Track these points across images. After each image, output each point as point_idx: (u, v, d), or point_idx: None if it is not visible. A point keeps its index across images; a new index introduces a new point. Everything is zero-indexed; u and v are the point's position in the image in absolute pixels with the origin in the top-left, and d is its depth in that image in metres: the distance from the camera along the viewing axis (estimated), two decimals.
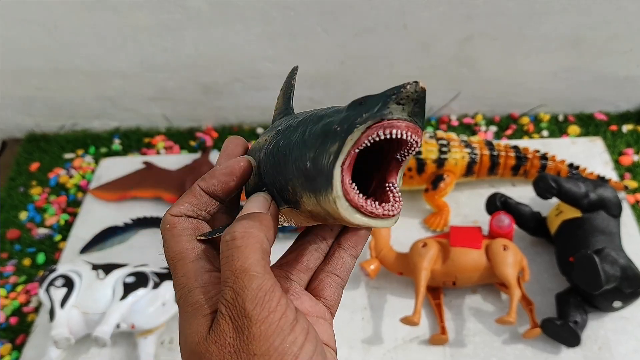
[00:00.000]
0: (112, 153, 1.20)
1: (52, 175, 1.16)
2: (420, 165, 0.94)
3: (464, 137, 0.99)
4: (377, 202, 0.29)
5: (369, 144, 0.27)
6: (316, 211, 0.29)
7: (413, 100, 0.27)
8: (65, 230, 1.06)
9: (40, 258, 1.01)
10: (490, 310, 0.84)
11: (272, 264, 0.32)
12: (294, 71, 0.39)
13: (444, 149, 0.95)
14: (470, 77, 1.11)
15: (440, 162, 0.94)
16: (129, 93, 1.19)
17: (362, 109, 0.28)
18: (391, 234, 0.89)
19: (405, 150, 0.29)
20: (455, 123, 1.16)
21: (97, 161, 1.18)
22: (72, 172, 1.16)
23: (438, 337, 0.80)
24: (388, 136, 0.27)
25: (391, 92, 0.27)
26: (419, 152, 0.94)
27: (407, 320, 0.78)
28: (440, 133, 0.98)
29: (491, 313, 0.84)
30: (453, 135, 0.98)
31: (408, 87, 0.27)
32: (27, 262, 1.02)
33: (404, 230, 0.94)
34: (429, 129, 1.13)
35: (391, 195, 0.29)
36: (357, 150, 0.27)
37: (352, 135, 0.27)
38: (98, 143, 1.22)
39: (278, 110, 0.38)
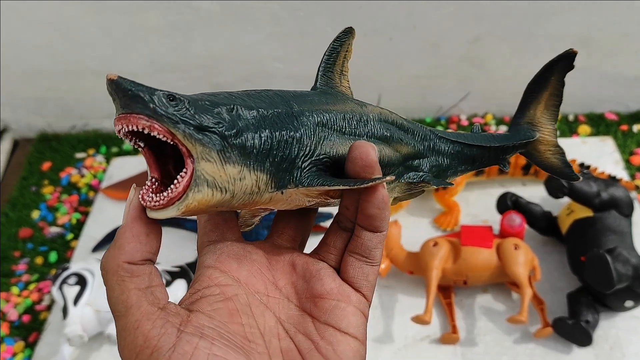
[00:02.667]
0: (123, 152, 1.21)
1: (64, 174, 1.17)
2: None
3: None
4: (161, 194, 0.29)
5: (135, 143, 0.29)
6: None
7: (114, 93, 0.27)
8: (77, 229, 1.07)
9: (53, 257, 1.02)
10: (501, 309, 0.84)
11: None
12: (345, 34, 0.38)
13: None
14: (480, 77, 1.11)
15: None
16: None
17: None
18: (402, 233, 0.89)
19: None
20: (465, 123, 1.16)
21: (108, 160, 1.19)
22: (84, 172, 1.17)
23: (449, 336, 0.80)
24: (120, 133, 0.28)
25: None
26: None
27: (419, 319, 0.78)
28: None
29: (502, 312, 0.84)
30: None
31: (106, 84, 0.27)
32: (39, 260, 1.02)
33: (414, 230, 0.94)
34: (439, 129, 1.13)
35: (172, 183, 0.28)
36: (139, 149, 0.29)
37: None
38: (109, 142, 1.23)
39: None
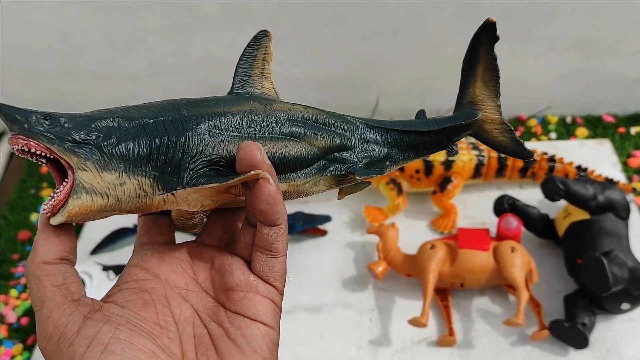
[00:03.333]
0: None
1: None
2: (428, 167, 0.94)
3: (472, 140, 0.99)
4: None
5: (34, 159, 0.31)
6: None
7: (2, 118, 0.30)
8: (75, 231, 1.07)
9: None
10: (498, 311, 0.84)
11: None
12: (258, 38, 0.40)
13: None
14: None
15: (447, 165, 0.95)
16: (138, 95, 1.20)
17: None
18: (399, 236, 0.89)
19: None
20: None
21: None
22: None
23: (446, 339, 0.81)
24: (15, 152, 0.31)
25: None
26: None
27: (415, 322, 0.79)
28: None
29: (499, 315, 0.84)
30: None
31: None
32: None
33: (411, 232, 0.94)
34: (375, 118, 1.13)
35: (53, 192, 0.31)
36: (42, 163, 0.31)
37: None
38: None
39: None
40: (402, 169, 0.95)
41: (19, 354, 0.90)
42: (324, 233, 0.97)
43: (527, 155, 0.38)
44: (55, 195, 0.31)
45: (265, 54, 0.39)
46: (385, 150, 0.39)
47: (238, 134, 0.34)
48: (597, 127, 1.11)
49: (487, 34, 0.38)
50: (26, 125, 0.30)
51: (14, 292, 0.99)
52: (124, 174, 0.31)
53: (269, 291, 0.34)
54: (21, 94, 1.22)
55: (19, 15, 1.06)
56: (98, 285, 0.85)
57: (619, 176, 0.99)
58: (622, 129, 1.10)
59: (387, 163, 0.40)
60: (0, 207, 1.15)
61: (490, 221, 0.92)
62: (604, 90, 1.11)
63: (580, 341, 0.78)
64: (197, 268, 0.35)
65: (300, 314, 0.88)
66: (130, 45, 1.10)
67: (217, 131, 0.33)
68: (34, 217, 1.11)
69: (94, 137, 0.31)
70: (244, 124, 0.34)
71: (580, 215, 0.83)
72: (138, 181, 0.32)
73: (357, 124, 0.39)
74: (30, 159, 0.31)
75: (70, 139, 0.31)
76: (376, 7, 1.00)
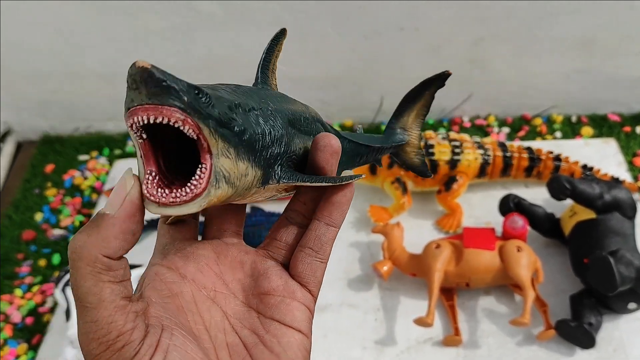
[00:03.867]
0: (126, 155, 1.21)
1: (67, 176, 1.17)
2: (433, 166, 0.94)
3: (477, 139, 0.99)
4: (177, 189, 0.27)
5: (141, 134, 0.27)
6: None
7: (143, 82, 0.26)
8: None
9: (56, 259, 1.02)
10: (503, 311, 0.84)
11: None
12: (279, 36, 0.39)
13: (457, 150, 0.95)
14: (482, 78, 1.11)
15: (453, 164, 0.94)
16: None
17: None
18: (404, 235, 0.89)
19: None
20: (467, 124, 1.16)
21: (111, 163, 1.19)
22: (87, 174, 1.17)
23: (451, 339, 0.80)
24: (133, 124, 0.26)
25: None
26: (432, 154, 0.94)
27: (421, 322, 0.78)
28: (452, 134, 0.98)
29: (505, 314, 0.84)
30: (466, 136, 0.97)
31: (129, 71, 0.26)
32: (42, 262, 1.03)
33: (416, 232, 0.94)
34: (442, 130, 1.13)
35: (193, 178, 0.27)
36: (140, 141, 0.27)
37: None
38: (112, 145, 1.23)
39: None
40: None
41: (24, 354, 0.90)
42: (274, 226, 0.97)
43: (428, 175, 0.45)
44: (196, 183, 0.27)
45: (279, 50, 0.39)
46: (344, 158, 0.39)
47: (302, 131, 0.34)
48: (602, 126, 1.11)
49: (439, 82, 0.42)
50: (186, 99, 0.26)
51: (18, 292, 0.99)
52: (249, 165, 0.29)
53: (305, 297, 0.32)
54: (24, 95, 1.22)
55: (20, 15, 1.06)
56: None
57: (624, 175, 0.99)
58: (627, 128, 1.09)
59: (343, 168, 0.41)
60: (5, 207, 1.15)
61: (496, 220, 0.92)
62: (609, 90, 1.11)
63: (586, 341, 0.78)
64: (224, 267, 0.33)
65: None
66: (133, 45, 1.10)
67: (291, 128, 0.33)
68: (38, 216, 1.10)
69: (234, 122, 0.28)
70: (302, 121, 0.35)
71: (587, 214, 0.83)
72: (255, 173, 0.30)
73: (327, 126, 0.40)
74: (133, 133, 0.27)
75: (217, 120, 0.27)
76: (379, 7, 0.99)
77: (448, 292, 0.85)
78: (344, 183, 0.32)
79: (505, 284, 0.85)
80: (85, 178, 1.17)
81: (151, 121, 0.26)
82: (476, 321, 0.83)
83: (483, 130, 1.14)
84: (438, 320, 0.83)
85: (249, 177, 0.29)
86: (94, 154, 1.22)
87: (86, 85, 1.19)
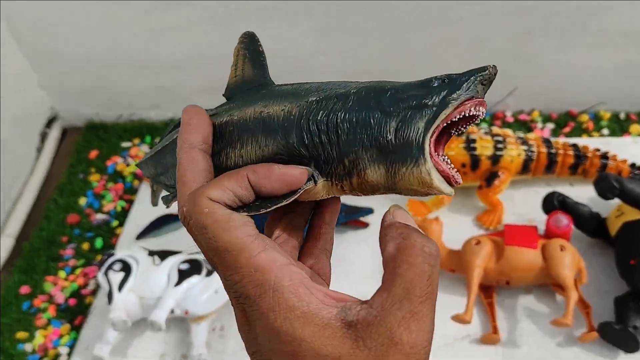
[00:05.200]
0: None
1: (110, 163, 1.20)
2: (475, 161, 0.93)
3: (521, 134, 0.96)
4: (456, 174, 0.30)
5: (457, 119, 0.29)
6: (379, 183, 0.30)
7: (490, 82, 0.30)
8: (122, 216, 1.09)
9: (98, 243, 1.05)
10: (544, 311, 0.82)
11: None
12: (253, 37, 0.39)
13: (500, 145, 0.93)
14: (527, 72, 1.08)
15: (495, 159, 0.92)
16: (183, 85, 1.22)
17: (446, 87, 0.30)
18: (443, 230, 0.88)
19: (464, 126, 0.30)
20: (510, 119, 1.13)
21: None
22: (129, 161, 1.20)
23: (490, 337, 0.79)
24: (477, 113, 0.29)
25: (478, 73, 0.30)
26: (474, 148, 0.92)
27: (459, 318, 0.77)
28: (495, 129, 0.96)
29: (545, 314, 0.82)
30: (509, 131, 0.95)
31: (490, 69, 0.30)
32: (85, 246, 1.06)
33: (455, 227, 0.93)
34: (484, 125, 1.11)
35: (449, 166, 0.30)
36: (444, 124, 0.29)
37: (446, 110, 0.29)
38: (154, 132, 1.25)
39: (246, 79, 0.38)
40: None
41: (67, 334, 0.93)
42: (365, 225, 0.97)
43: None
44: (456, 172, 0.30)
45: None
46: None
47: None
48: None
49: None
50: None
51: (62, 274, 1.02)
52: None
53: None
54: (71, 82, 1.25)
55: (68, 6, 1.09)
56: (144, 269, 0.87)
57: None
58: None
59: None
60: (51, 190, 1.18)
61: (538, 218, 0.90)
62: None
63: (631, 345, 0.75)
64: None
65: None
66: (177, 36, 1.12)
67: None
68: (82, 201, 1.13)
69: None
70: None
71: (635, 214, 0.80)
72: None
73: None
74: (449, 121, 0.29)
75: None
76: None
77: (487, 290, 0.84)
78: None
79: (546, 284, 0.83)
80: (128, 165, 1.19)
81: (483, 114, 0.30)
82: (516, 320, 0.82)
83: (526, 126, 1.12)
84: (476, 318, 0.82)
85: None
86: (136, 141, 1.24)
87: (130, 74, 1.21)
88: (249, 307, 0.27)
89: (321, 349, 0.25)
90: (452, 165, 0.30)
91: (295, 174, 0.29)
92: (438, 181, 0.29)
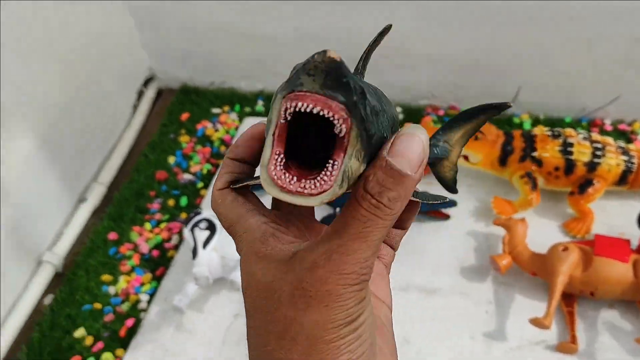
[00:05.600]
0: (255, 113, 1.26)
1: (200, 126, 1.24)
2: (570, 166, 0.90)
3: (622, 144, 0.92)
4: (306, 179, 0.26)
5: (287, 116, 0.26)
6: None
7: (323, 72, 0.24)
8: (207, 178, 1.13)
9: (183, 201, 1.10)
10: (627, 328, 0.79)
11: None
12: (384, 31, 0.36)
13: (598, 152, 0.89)
14: (636, 81, 1.03)
15: (591, 166, 0.89)
16: (278, 58, 1.24)
17: (288, 78, 0.26)
18: (528, 233, 0.86)
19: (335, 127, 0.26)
20: (608, 127, 1.09)
21: (241, 119, 1.25)
22: (218, 126, 1.23)
23: (567, 346, 0.77)
24: (295, 108, 0.25)
25: (303, 62, 0.25)
26: (570, 152, 0.89)
27: (538, 322, 0.76)
28: (595, 136, 0.92)
29: (629, 332, 0.79)
30: (610, 139, 0.92)
31: (315, 56, 0.24)
32: (171, 202, 1.10)
33: (541, 231, 0.90)
34: (582, 131, 1.07)
35: (323, 173, 0.26)
36: (282, 121, 0.26)
37: (276, 105, 0.26)
38: (243, 102, 1.28)
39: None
40: (540, 164, 0.91)
41: (148, 282, 0.98)
42: (447, 217, 0.96)
43: (455, 191, 0.44)
44: (327, 179, 0.26)
45: (378, 44, 0.38)
46: None
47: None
48: None
49: (497, 110, 0.39)
50: (354, 100, 0.26)
51: (147, 226, 1.07)
52: (364, 168, 0.27)
53: (385, 275, 0.35)
54: (171, 44, 1.30)
55: None
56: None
57: None
58: None
59: None
60: (143, 146, 1.24)
61: (632, 232, 0.86)
62: None
63: None
64: None
65: (414, 293, 0.88)
66: (279, 10, 1.14)
67: (392, 133, 0.32)
68: (171, 159, 1.18)
69: (375, 126, 0.27)
70: (396, 126, 0.33)
71: None
72: (360, 174, 0.28)
73: None
74: (283, 113, 0.26)
75: (365, 128, 0.26)
76: None
77: (569, 298, 0.82)
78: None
79: (633, 300, 0.80)
80: (216, 130, 1.23)
81: (315, 111, 0.25)
82: (596, 333, 0.79)
83: (626, 136, 1.07)
84: (555, 325, 0.80)
85: (351, 182, 0.27)
86: (226, 108, 1.28)
87: (227, 43, 1.24)
88: (241, 267, 0.30)
89: (261, 277, 0.28)
90: (283, 170, 0.26)
91: (254, 129, 0.32)
92: (264, 181, 0.26)
